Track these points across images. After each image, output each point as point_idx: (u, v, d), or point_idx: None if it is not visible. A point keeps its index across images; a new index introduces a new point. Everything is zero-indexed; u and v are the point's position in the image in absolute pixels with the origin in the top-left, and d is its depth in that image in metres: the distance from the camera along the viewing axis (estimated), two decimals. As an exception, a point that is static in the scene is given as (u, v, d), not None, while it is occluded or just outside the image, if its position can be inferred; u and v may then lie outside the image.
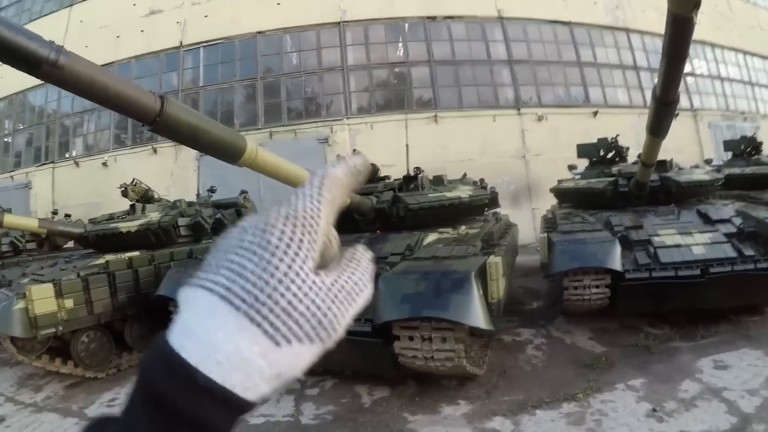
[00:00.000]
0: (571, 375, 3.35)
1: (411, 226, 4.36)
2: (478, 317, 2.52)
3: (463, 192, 4.90)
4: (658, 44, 13.14)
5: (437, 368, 2.80)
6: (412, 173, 6.58)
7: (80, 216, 7.39)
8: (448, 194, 4.67)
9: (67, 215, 8.84)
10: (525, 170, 10.09)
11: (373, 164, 5.29)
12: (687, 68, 13.55)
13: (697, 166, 6.41)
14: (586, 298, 3.68)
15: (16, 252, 6.53)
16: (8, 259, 6.17)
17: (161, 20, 12.44)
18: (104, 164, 11.86)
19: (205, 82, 11.62)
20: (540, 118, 10.51)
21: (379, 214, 4.38)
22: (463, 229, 4.50)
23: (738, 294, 3.69)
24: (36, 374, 4.29)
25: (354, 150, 10.27)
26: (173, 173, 11.25)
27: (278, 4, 11.35)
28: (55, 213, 8.67)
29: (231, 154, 2.32)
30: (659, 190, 4.78)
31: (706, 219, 4.13)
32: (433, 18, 10.94)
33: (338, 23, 10.87)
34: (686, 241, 3.80)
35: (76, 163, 12.45)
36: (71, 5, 14.16)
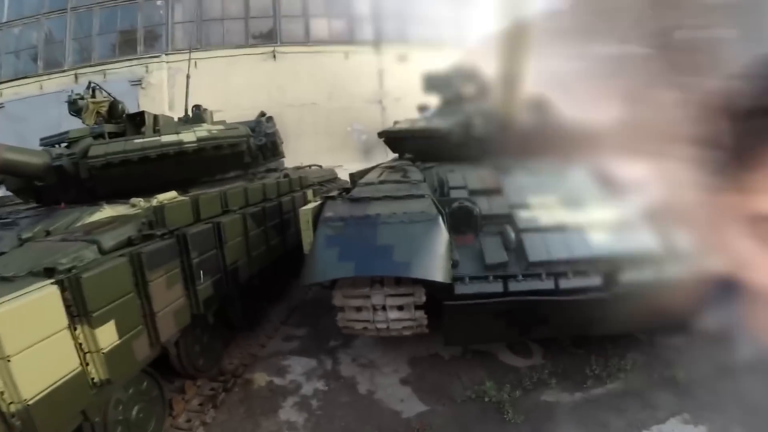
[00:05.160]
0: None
1: (106, 195, 3.00)
2: None
3: (189, 135, 3.45)
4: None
5: None
6: (190, 114, 5.17)
7: None
8: (164, 139, 3.28)
9: None
10: (381, 117, 8.85)
11: (115, 100, 3.96)
12: None
13: None
14: (380, 327, 2.16)
15: None
16: None
17: (-39, -60, 10.08)
18: None
19: (9, 17, 9.53)
20: (402, 59, 9.22)
21: (62, 176, 3.01)
22: (168, 197, 2.89)
23: (669, 311, 2.05)
24: None
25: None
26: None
27: None
28: None
29: None
30: (537, 136, 2.94)
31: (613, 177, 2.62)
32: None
33: (161, -61, 8.98)
34: (578, 218, 2.22)
35: None
36: None
